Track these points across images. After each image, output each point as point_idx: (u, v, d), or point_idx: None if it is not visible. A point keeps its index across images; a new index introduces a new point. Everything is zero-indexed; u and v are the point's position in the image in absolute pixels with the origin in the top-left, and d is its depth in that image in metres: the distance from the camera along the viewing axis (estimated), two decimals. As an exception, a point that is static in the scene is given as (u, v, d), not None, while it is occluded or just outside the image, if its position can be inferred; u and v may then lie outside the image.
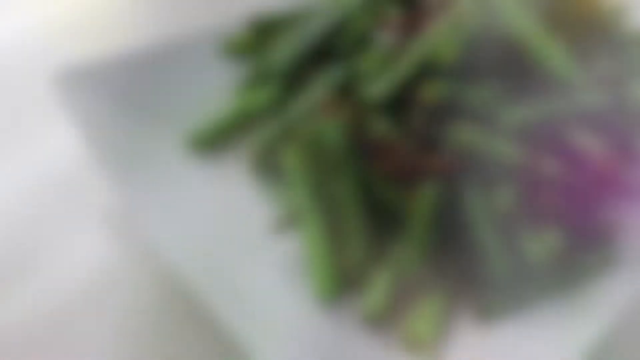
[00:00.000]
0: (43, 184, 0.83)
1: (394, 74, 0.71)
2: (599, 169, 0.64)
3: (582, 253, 0.70)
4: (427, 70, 0.72)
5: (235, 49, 0.90)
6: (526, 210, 0.66)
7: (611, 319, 0.63)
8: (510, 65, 0.76)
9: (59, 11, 1.18)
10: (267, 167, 0.77)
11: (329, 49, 0.83)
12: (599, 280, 0.70)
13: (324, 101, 0.72)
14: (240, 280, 0.67)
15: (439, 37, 0.69)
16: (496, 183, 0.67)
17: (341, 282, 0.67)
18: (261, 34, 0.87)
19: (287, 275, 0.69)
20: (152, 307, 0.70)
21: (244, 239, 0.72)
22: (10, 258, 0.75)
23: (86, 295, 0.71)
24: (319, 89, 0.75)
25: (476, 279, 0.68)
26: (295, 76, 0.82)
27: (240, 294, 0.65)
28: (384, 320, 0.64)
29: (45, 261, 0.74)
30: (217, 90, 0.88)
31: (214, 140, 0.82)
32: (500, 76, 0.75)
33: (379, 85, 0.71)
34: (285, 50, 0.82)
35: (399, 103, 0.74)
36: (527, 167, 0.65)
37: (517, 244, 0.65)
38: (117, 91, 0.79)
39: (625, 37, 0.88)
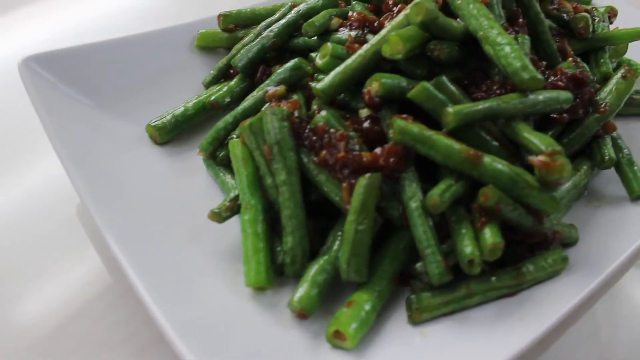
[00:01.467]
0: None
1: (343, 69, 0.71)
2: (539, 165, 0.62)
3: (522, 255, 0.68)
4: (376, 66, 0.73)
5: (207, 43, 0.91)
6: (466, 208, 0.65)
7: (550, 324, 0.62)
8: (466, 61, 0.75)
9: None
10: (219, 157, 0.77)
11: (289, 44, 0.84)
12: (541, 285, 0.68)
13: (272, 94, 0.73)
14: (176, 267, 0.67)
15: (391, 34, 0.69)
16: (436, 180, 0.66)
17: (273, 273, 0.67)
18: (231, 29, 0.89)
19: (224, 263, 0.69)
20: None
21: (189, 226, 0.73)
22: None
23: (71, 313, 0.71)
24: (271, 82, 0.75)
25: (410, 277, 0.67)
26: (256, 71, 0.83)
27: (174, 280, 0.65)
28: (313, 314, 0.64)
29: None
30: (186, 82, 0.90)
31: (175, 131, 0.83)
32: (456, 71, 0.75)
33: (326, 80, 0.71)
34: (246, 47, 0.83)
35: (348, 98, 0.74)
36: (467, 164, 0.64)
37: (453, 243, 0.64)
38: (81, 79, 0.81)
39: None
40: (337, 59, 0.73)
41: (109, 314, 0.69)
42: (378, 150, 0.66)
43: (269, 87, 0.75)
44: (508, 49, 0.69)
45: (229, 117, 0.76)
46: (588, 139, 0.78)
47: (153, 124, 0.80)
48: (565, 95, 0.73)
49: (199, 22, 0.90)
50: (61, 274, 0.74)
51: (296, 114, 0.70)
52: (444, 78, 0.71)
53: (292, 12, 0.83)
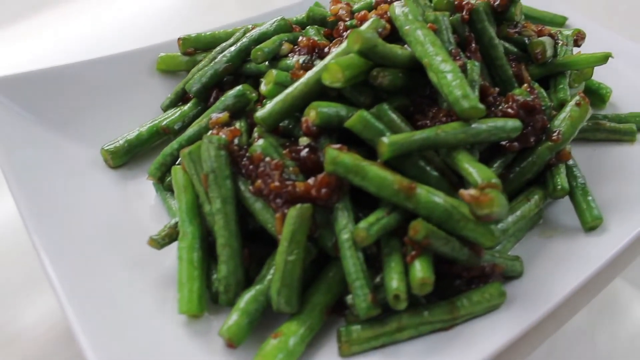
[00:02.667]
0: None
1: (284, 97, 0.71)
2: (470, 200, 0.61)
3: (460, 289, 0.66)
4: (321, 94, 0.72)
5: (167, 67, 0.92)
6: (401, 240, 0.64)
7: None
8: (414, 88, 0.74)
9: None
10: (167, 182, 0.77)
11: (242, 69, 0.84)
12: (478, 320, 0.66)
13: (215, 121, 0.73)
14: (113, 292, 0.67)
15: (331, 62, 0.68)
16: (369, 211, 0.65)
17: (210, 300, 0.67)
18: (190, 53, 0.90)
19: (162, 289, 0.69)
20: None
21: (132, 251, 0.73)
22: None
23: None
24: (215, 109, 0.75)
25: (345, 308, 0.65)
26: (209, 96, 0.83)
27: (108, 305, 0.65)
28: (242, 343, 0.63)
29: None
30: (146, 106, 0.90)
31: (128, 155, 0.83)
32: (402, 98, 0.73)
33: (267, 108, 0.70)
34: (200, 72, 0.83)
35: (292, 125, 0.73)
36: (401, 196, 0.63)
37: (383, 275, 0.62)
38: (39, 103, 0.81)
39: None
40: (281, 86, 0.73)
41: (46, 335, 0.69)
42: (311, 180, 0.65)
43: (214, 113, 0.75)
44: (450, 77, 0.68)
45: (174, 143, 0.76)
46: (541, 167, 0.76)
47: (106, 148, 0.81)
48: (512, 123, 0.71)
49: (160, 46, 0.91)
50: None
51: (236, 141, 0.70)
52: (386, 106, 0.69)
53: (245, 37, 0.83)
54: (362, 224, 0.61)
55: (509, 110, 0.73)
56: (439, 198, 0.63)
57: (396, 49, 0.70)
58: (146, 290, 0.68)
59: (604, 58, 0.84)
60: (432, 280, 0.60)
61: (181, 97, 0.86)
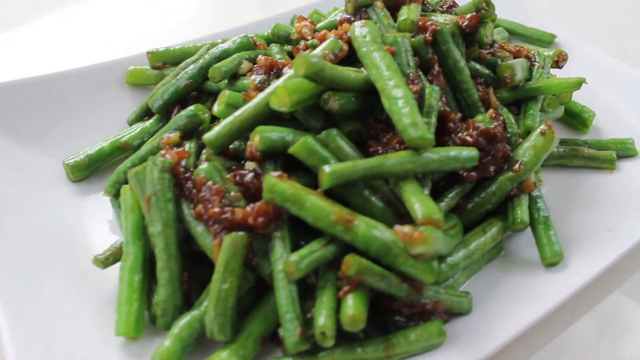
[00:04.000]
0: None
1: (232, 119, 0.69)
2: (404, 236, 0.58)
3: (401, 325, 0.64)
4: (273, 116, 0.70)
5: (136, 80, 0.91)
6: (335, 273, 0.61)
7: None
8: (370, 112, 0.71)
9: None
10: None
11: (204, 87, 0.83)
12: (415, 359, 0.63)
13: (166, 141, 0.72)
14: (53, 311, 0.67)
15: (278, 85, 0.67)
16: (307, 241, 0.63)
17: (144, 324, 0.66)
18: (159, 67, 0.89)
19: (104, 309, 0.69)
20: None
21: (81, 268, 0.72)
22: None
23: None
24: (167, 129, 0.74)
25: (278, 337, 0.64)
26: (171, 112, 0.82)
27: (45, 325, 0.65)
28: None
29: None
30: (114, 119, 0.90)
31: (89, 169, 0.82)
32: (356, 123, 0.71)
33: (214, 130, 0.69)
34: (162, 88, 0.82)
35: (243, 147, 0.72)
36: (338, 228, 0.61)
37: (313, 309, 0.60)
38: (5, 116, 0.83)
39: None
40: (233, 107, 0.71)
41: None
42: (250, 207, 0.63)
43: (166, 133, 0.74)
44: (401, 103, 0.65)
45: (128, 162, 0.75)
46: (501, 198, 0.72)
47: (66, 162, 0.80)
48: (467, 153, 0.68)
49: (130, 59, 0.90)
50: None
51: (184, 163, 0.69)
52: (335, 131, 0.67)
53: (208, 54, 0.82)
54: (293, 256, 0.59)
55: (468, 137, 0.70)
56: (377, 231, 0.60)
57: (349, 72, 0.68)
58: (87, 309, 0.67)
59: (577, 84, 0.79)
60: (364, 317, 0.58)
61: (147, 112, 0.85)
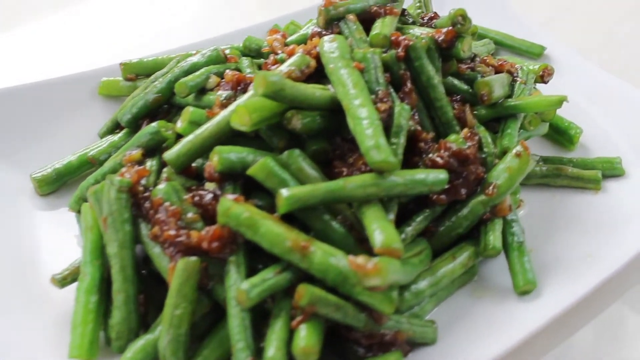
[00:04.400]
0: None
1: (193, 138, 0.67)
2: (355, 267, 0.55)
3: (361, 356, 0.61)
4: (236, 134, 0.68)
5: (109, 92, 0.90)
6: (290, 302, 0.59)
7: None
8: (338, 131, 0.69)
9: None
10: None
11: (173, 101, 0.81)
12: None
13: (127, 158, 0.70)
14: (7, 331, 0.66)
15: (239, 104, 0.64)
16: (267, 265, 0.61)
17: (98, 347, 0.64)
18: (131, 79, 0.87)
19: (61, 330, 0.67)
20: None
21: (40, 286, 0.71)
22: None
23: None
24: (130, 146, 0.72)
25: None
26: (140, 126, 0.80)
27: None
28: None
29: None
30: (87, 132, 0.89)
31: (56, 183, 0.81)
32: (322, 142, 0.68)
33: (175, 149, 0.67)
34: (132, 101, 0.80)
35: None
36: (294, 255, 0.58)
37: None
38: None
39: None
40: (196, 125, 0.69)
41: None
42: (204, 231, 0.61)
43: (129, 150, 0.72)
44: (365, 124, 0.62)
45: (91, 178, 0.74)
46: (473, 222, 0.69)
47: (34, 175, 0.79)
48: (435, 176, 0.65)
49: (105, 69, 0.89)
50: None
51: (144, 181, 0.67)
52: (297, 152, 0.64)
53: (177, 67, 0.80)
54: (245, 284, 0.57)
55: (438, 159, 0.67)
56: (334, 259, 0.57)
57: (313, 90, 0.65)
58: (43, 329, 0.66)
59: (558, 102, 0.76)
60: (317, 349, 0.55)
61: (117, 125, 0.83)
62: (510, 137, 0.74)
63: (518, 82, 0.80)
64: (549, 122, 0.84)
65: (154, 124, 0.72)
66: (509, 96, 0.79)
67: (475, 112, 0.76)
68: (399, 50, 0.71)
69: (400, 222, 0.67)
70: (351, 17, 0.74)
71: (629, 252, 0.69)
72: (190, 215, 0.63)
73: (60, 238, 0.76)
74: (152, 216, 0.64)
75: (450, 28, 0.73)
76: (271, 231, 0.59)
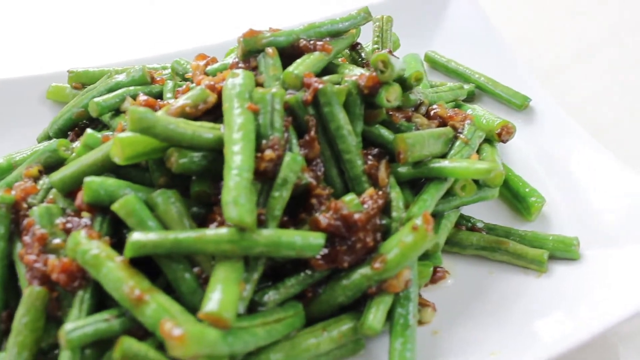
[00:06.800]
0: None
1: (78, 163, 0.68)
2: None
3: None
4: (115, 166, 0.67)
5: (56, 98, 0.93)
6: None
7: None
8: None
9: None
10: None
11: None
12: None
13: (25, 174, 0.72)
14: None
15: (116, 136, 0.64)
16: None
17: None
18: (77, 87, 0.90)
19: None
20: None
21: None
22: None
23: None
24: (31, 161, 0.74)
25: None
26: (67, 136, 0.83)
27: None
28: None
29: None
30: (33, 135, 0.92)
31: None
32: (204, 184, 0.66)
33: (59, 173, 0.68)
34: (60, 113, 0.83)
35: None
36: (131, 304, 0.57)
37: None
38: None
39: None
40: (89, 149, 0.70)
41: None
42: (57, 262, 0.62)
43: (29, 165, 0.74)
44: (233, 174, 0.59)
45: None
46: (356, 294, 0.64)
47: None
48: (306, 240, 0.60)
49: (58, 74, 0.92)
50: None
51: (32, 199, 0.69)
52: (169, 193, 0.63)
53: (103, 84, 0.81)
54: (69, 324, 0.57)
55: (322, 220, 0.63)
56: (166, 316, 0.56)
57: (196, 129, 0.63)
58: None
59: (486, 172, 0.67)
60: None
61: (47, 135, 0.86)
62: (422, 204, 0.67)
63: (459, 141, 0.72)
64: (496, 187, 0.75)
65: (53, 142, 0.74)
66: (444, 156, 0.72)
67: (391, 169, 0.70)
68: (307, 93, 0.67)
69: (274, 282, 0.63)
70: (270, 50, 0.71)
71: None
72: (56, 241, 0.64)
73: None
74: (22, 236, 0.66)
75: (372, 74, 0.68)
76: (112, 274, 0.58)
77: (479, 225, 0.77)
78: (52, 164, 0.74)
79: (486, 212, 0.82)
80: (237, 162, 0.61)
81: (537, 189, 0.81)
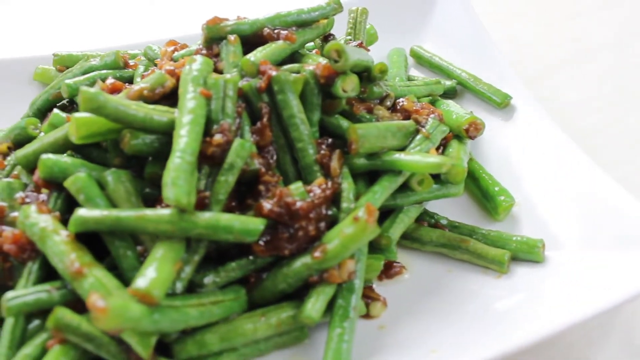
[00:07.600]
0: None
1: (40, 142, 0.71)
2: None
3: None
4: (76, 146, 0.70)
5: (42, 79, 0.97)
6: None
7: None
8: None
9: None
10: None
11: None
12: None
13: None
14: None
15: (74, 115, 0.67)
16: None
17: None
18: (61, 70, 0.93)
19: None
20: None
21: None
22: None
23: None
24: (4, 137, 0.78)
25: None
26: (46, 117, 0.86)
27: None
28: None
29: None
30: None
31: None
32: (156, 167, 0.68)
33: (23, 150, 0.71)
34: (40, 94, 0.87)
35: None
36: (71, 277, 0.60)
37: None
38: None
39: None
40: (54, 128, 0.73)
41: None
42: (10, 233, 0.65)
43: (0, 141, 0.78)
44: (177, 155, 0.61)
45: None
46: (297, 282, 0.65)
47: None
48: (246, 225, 0.62)
49: (42, 57, 0.96)
50: None
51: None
52: (121, 173, 0.66)
53: (78, 67, 0.84)
54: (9, 293, 0.60)
55: (266, 206, 0.64)
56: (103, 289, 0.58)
57: (148, 111, 0.65)
58: None
59: (437, 166, 0.67)
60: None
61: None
62: (371, 195, 0.67)
63: (420, 135, 0.72)
64: (459, 184, 0.75)
65: (22, 121, 0.78)
66: (402, 149, 0.72)
67: (344, 160, 0.70)
68: (261, 81, 0.68)
69: (215, 266, 0.65)
70: (232, 38, 0.73)
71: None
72: (14, 214, 0.68)
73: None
74: (-16, 209, 0.70)
75: (326, 63, 0.68)
76: (56, 247, 0.61)
77: (443, 222, 0.76)
78: (21, 141, 0.78)
79: (456, 210, 0.81)
80: (181, 145, 0.62)
81: (510, 188, 0.80)
